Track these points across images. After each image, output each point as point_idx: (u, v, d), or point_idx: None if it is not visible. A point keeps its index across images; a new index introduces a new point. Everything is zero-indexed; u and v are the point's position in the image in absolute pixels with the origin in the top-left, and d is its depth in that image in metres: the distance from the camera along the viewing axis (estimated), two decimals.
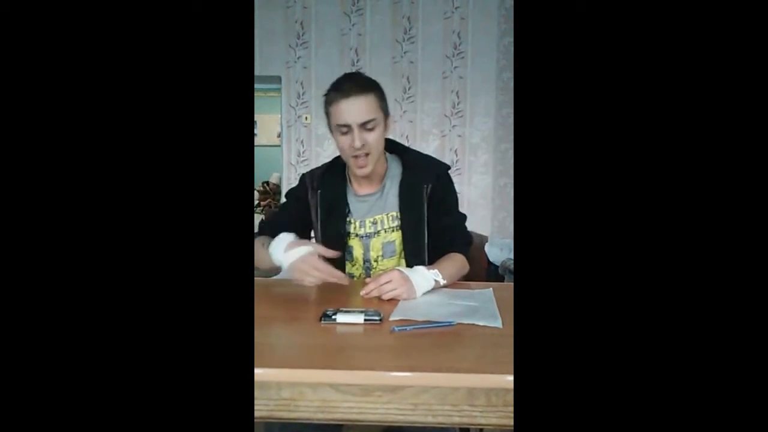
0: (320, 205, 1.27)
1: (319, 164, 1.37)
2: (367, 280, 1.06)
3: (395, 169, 1.29)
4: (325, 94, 1.20)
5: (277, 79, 3.72)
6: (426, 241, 1.25)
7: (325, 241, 1.26)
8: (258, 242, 1.18)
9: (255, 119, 6.51)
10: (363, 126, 1.14)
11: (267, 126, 6.58)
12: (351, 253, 1.28)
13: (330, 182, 1.28)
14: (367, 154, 1.17)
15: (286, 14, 3.67)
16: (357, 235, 1.27)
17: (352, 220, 1.27)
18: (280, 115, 3.83)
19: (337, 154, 1.31)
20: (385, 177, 1.28)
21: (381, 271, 1.19)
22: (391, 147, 1.31)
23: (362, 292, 1.02)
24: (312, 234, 1.32)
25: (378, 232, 1.27)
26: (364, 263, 1.28)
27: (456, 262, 1.19)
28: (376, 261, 1.27)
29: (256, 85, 4.03)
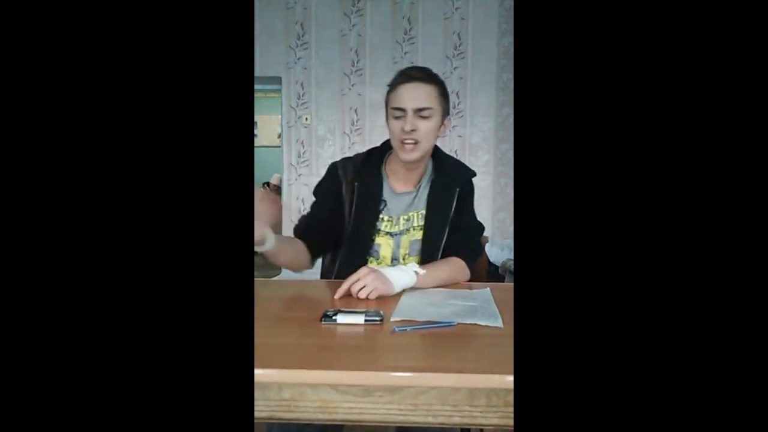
0: (357, 198, 1.23)
1: (320, 165, 1.36)
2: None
3: (429, 169, 1.29)
4: (389, 83, 1.21)
5: (278, 80, 3.73)
6: (443, 242, 1.25)
7: (354, 235, 1.24)
8: (294, 241, 1.17)
9: (255, 120, 6.51)
10: (417, 112, 1.15)
11: (267, 127, 6.59)
12: (377, 251, 1.25)
13: (367, 175, 1.25)
14: (416, 142, 1.16)
15: (286, 15, 3.67)
16: (388, 233, 1.25)
17: (385, 217, 1.25)
18: (280, 116, 3.84)
19: (336, 157, 1.31)
20: (423, 177, 1.28)
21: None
22: None
23: (336, 295, 1.01)
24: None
25: (409, 229, 1.26)
26: (392, 261, 1.25)
27: (452, 266, 1.19)
28: (404, 258, 1.26)
29: (256, 86, 4.04)
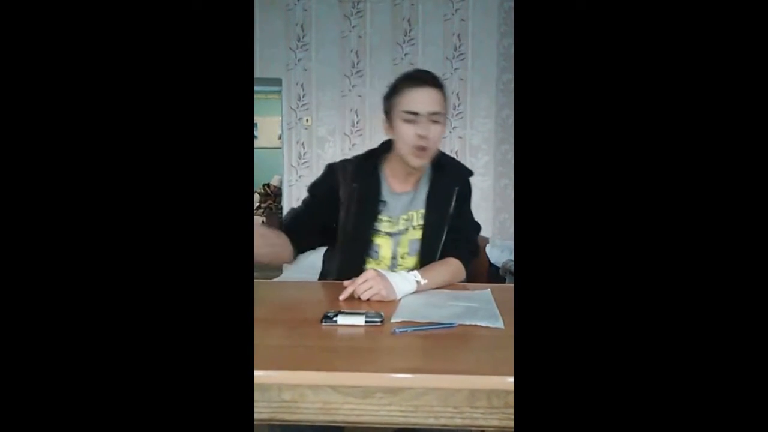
0: (356, 199, 1.23)
1: (320, 166, 1.35)
2: (345, 283, 1.05)
3: (428, 169, 1.29)
4: (392, 85, 1.21)
5: (278, 82, 3.73)
6: (442, 241, 1.25)
7: (353, 236, 1.24)
8: (280, 235, 1.18)
9: (256, 121, 6.52)
10: (430, 116, 1.15)
11: (268, 128, 6.59)
12: (377, 252, 1.25)
13: (366, 176, 1.26)
14: (426, 148, 1.17)
15: (286, 17, 3.67)
16: (387, 233, 1.25)
17: (385, 218, 1.25)
18: (280, 118, 3.84)
19: (337, 158, 1.31)
20: (421, 176, 1.28)
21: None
22: None
23: (341, 297, 1.01)
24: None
25: (408, 228, 1.26)
26: (391, 260, 1.26)
27: (449, 268, 1.19)
28: (402, 258, 1.26)
29: (256, 88, 4.04)
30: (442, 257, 1.23)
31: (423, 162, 1.19)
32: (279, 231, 1.21)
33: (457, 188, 1.26)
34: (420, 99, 1.15)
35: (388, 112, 1.21)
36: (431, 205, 1.25)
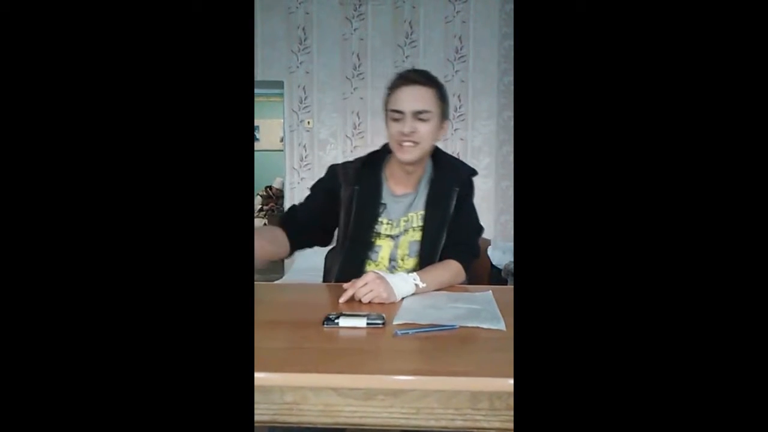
0: (356, 201, 1.23)
1: (322, 168, 1.36)
2: (345, 285, 1.05)
3: (428, 170, 1.29)
4: (388, 86, 1.22)
5: (280, 84, 3.73)
6: (443, 243, 1.24)
7: (353, 238, 1.24)
8: (267, 231, 1.18)
9: (257, 124, 6.52)
10: (416, 115, 1.15)
11: (269, 131, 6.59)
12: (377, 253, 1.26)
13: (367, 179, 1.25)
14: (415, 144, 1.17)
15: (288, 19, 3.68)
16: (388, 236, 1.25)
17: (385, 220, 1.25)
18: (282, 120, 3.84)
19: (338, 160, 1.31)
20: (422, 178, 1.28)
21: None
22: None
23: (341, 300, 1.01)
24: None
25: (407, 230, 1.26)
26: (389, 262, 1.26)
27: (448, 270, 1.19)
28: (402, 260, 1.26)
29: (258, 90, 4.04)
30: (441, 259, 1.22)
31: (409, 157, 1.18)
32: (274, 226, 1.21)
33: (457, 189, 1.25)
34: (404, 97, 1.16)
35: (386, 110, 1.22)
36: (430, 205, 1.24)
